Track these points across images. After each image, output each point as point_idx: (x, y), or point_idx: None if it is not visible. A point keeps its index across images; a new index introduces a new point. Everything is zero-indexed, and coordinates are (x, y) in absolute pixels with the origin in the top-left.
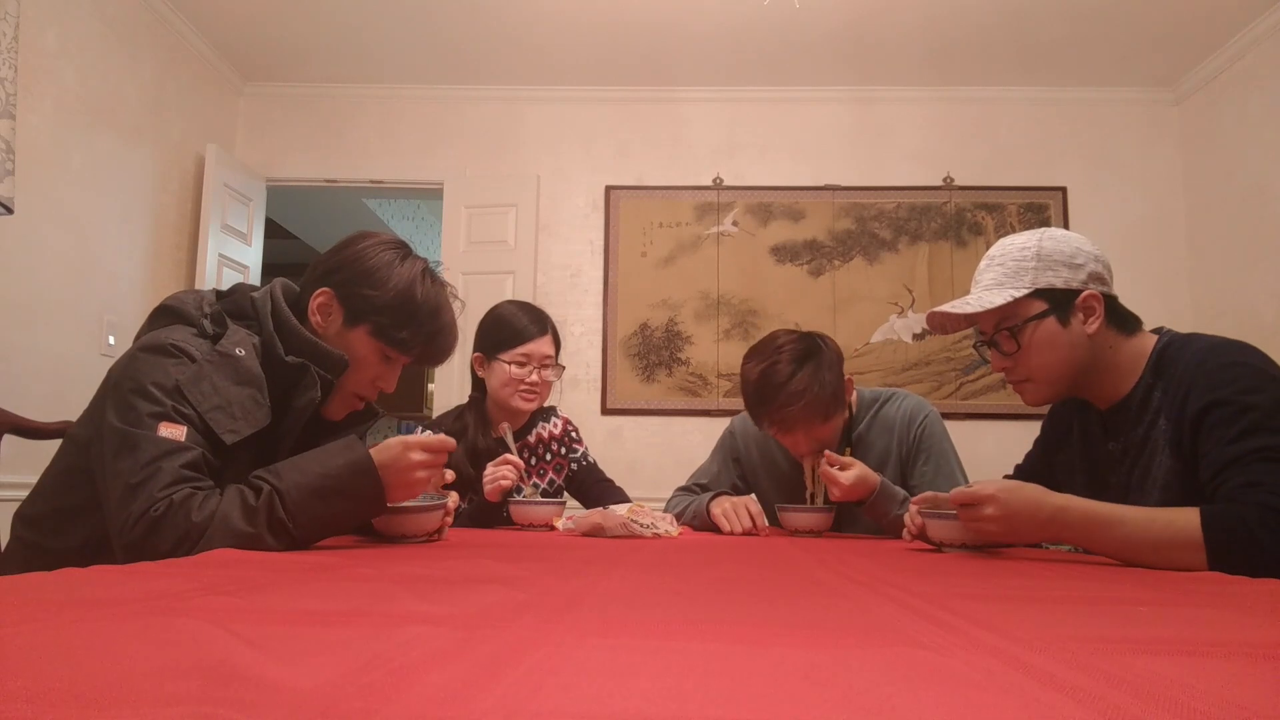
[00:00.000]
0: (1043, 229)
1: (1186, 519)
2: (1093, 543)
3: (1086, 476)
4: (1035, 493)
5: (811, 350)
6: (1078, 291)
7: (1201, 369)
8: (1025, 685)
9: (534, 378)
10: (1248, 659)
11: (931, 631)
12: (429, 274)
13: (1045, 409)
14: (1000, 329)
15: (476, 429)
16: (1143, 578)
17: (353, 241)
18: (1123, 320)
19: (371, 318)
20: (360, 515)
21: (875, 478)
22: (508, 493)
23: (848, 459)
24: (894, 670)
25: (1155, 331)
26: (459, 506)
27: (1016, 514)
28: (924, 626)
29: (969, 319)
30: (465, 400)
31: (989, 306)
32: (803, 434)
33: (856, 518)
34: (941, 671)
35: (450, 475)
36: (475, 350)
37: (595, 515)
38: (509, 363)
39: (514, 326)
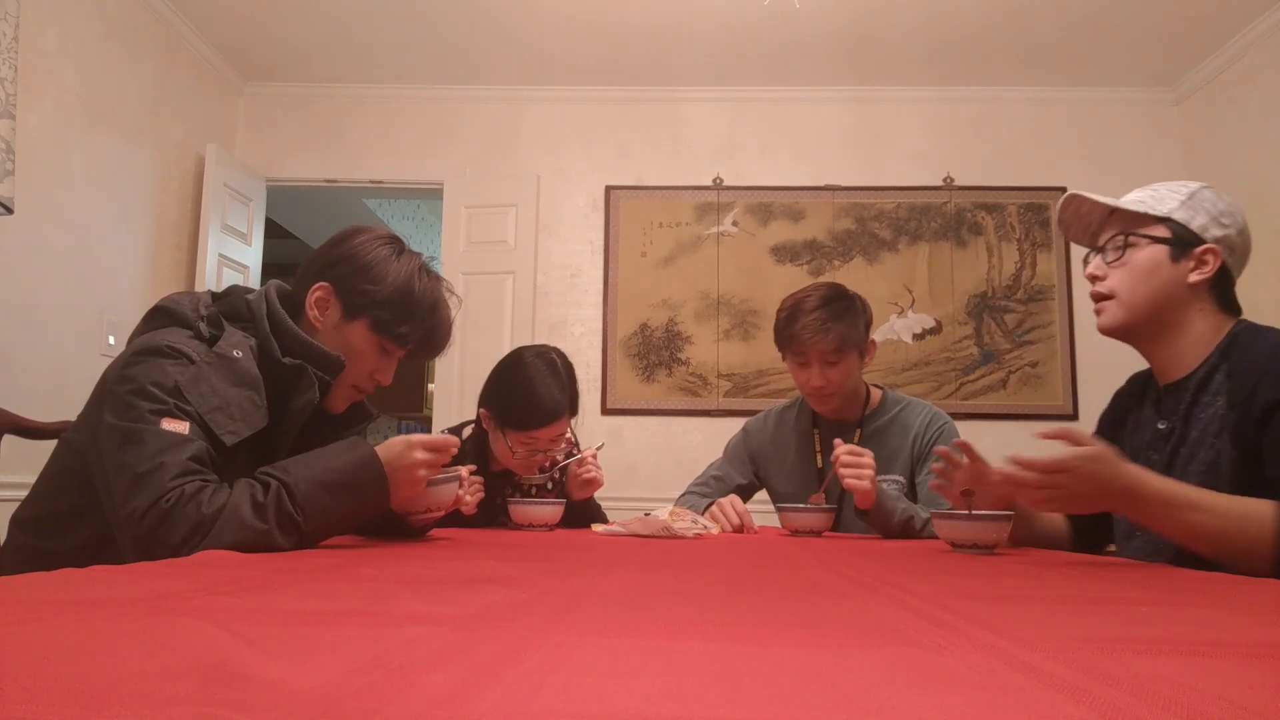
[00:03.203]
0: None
1: (1262, 516)
2: (1158, 523)
3: (1129, 452)
4: (1113, 467)
5: (843, 295)
6: (1203, 241)
7: (1275, 361)
8: (1025, 685)
9: (538, 457)
10: (1248, 659)
11: (931, 631)
12: (425, 269)
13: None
14: (1117, 235)
15: (478, 464)
16: (1143, 578)
17: (348, 236)
18: (1224, 297)
19: (371, 312)
20: (365, 512)
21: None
22: (485, 513)
23: (864, 450)
24: (894, 670)
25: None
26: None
27: (1090, 484)
28: (924, 626)
29: (1102, 215)
30: (467, 400)
31: (1127, 206)
32: (817, 364)
33: (856, 517)
34: (941, 671)
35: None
36: (482, 405)
37: (635, 524)
38: (515, 444)
39: (532, 406)
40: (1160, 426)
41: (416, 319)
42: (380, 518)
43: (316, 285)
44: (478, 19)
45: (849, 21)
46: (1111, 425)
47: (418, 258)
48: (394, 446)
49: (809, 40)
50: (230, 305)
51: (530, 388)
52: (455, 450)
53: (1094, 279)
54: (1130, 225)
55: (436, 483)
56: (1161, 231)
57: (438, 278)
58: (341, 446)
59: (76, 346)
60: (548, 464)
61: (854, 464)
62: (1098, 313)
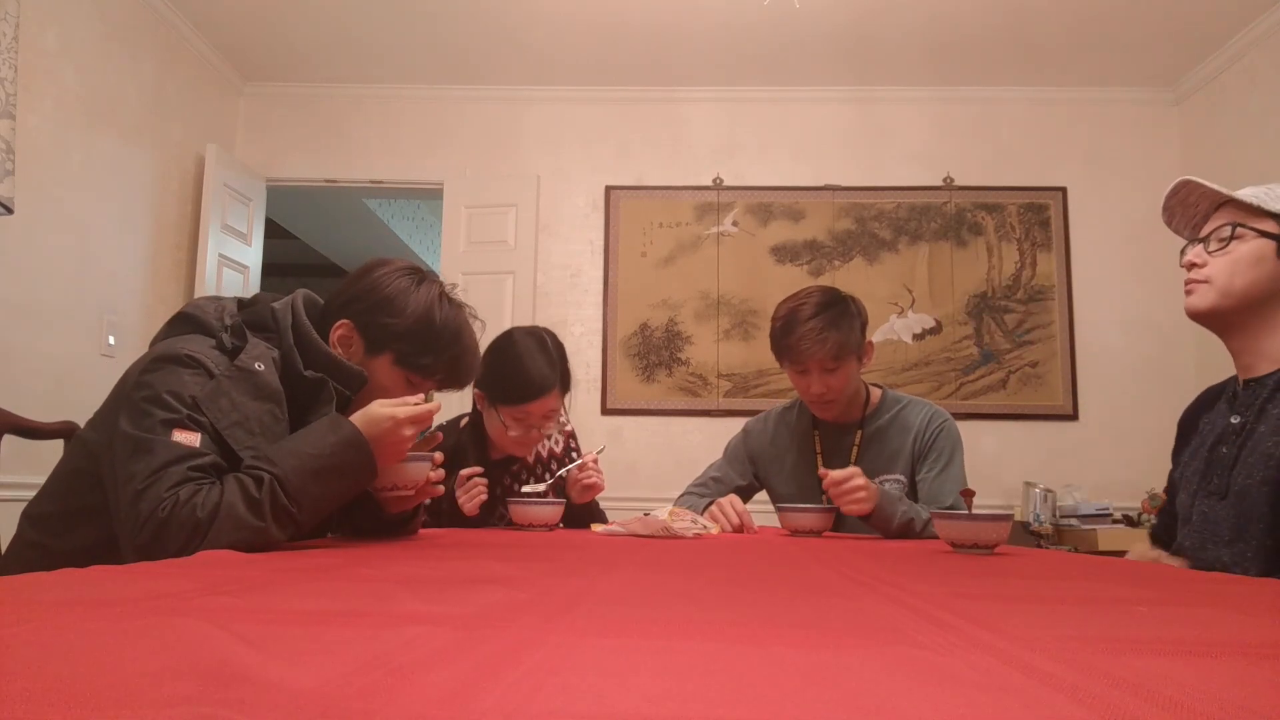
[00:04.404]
0: None
1: None
2: None
3: (1206, 451)
4: None
5: (838, 300)
6: None
7: None
8: (1025, 685)
9: (532, 434)
10: (1248, 659)
11: (931, 631)
12: (446, 297)
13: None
14: (1224, 225)
15: (474, 453)
16: (1143, 578)
17: (368, 270)
18: None
19: (393, 346)
20: (354, 489)
21: (874, 487)
22: (485, 505)
23: (844, 471)
24: (894, 670)
25: None
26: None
27: None
28: (924, 626)
29: (1209, 207)
30: (467, 400)
31: (1242, 197)
32: (816, 372)
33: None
34: (941, 671)
35: (439, 436)
36: (476, 385)
37: (635, 524)
38: (507, 419)
39: (521, 380)
40: (1234, 421)
41: (439, 349)
42: (368, 516)
43: (338, 323)
44: (478, 19)
45: (849, 21)
46: (1183, 438)
47: (438, 286)
48: (380, 423)
49: (809, 40)
50: (255, 315)
51: (520, 362)
52: (437, 410)
53: (1191, 266)
54: (1240, 217)
55: (407, 460)
56: (1271, 227)
57: (460, 305)
58: (324, 427)
59: (76, 346)
60: (547, 456)
61: (847, 491)
62: (1189, 294)
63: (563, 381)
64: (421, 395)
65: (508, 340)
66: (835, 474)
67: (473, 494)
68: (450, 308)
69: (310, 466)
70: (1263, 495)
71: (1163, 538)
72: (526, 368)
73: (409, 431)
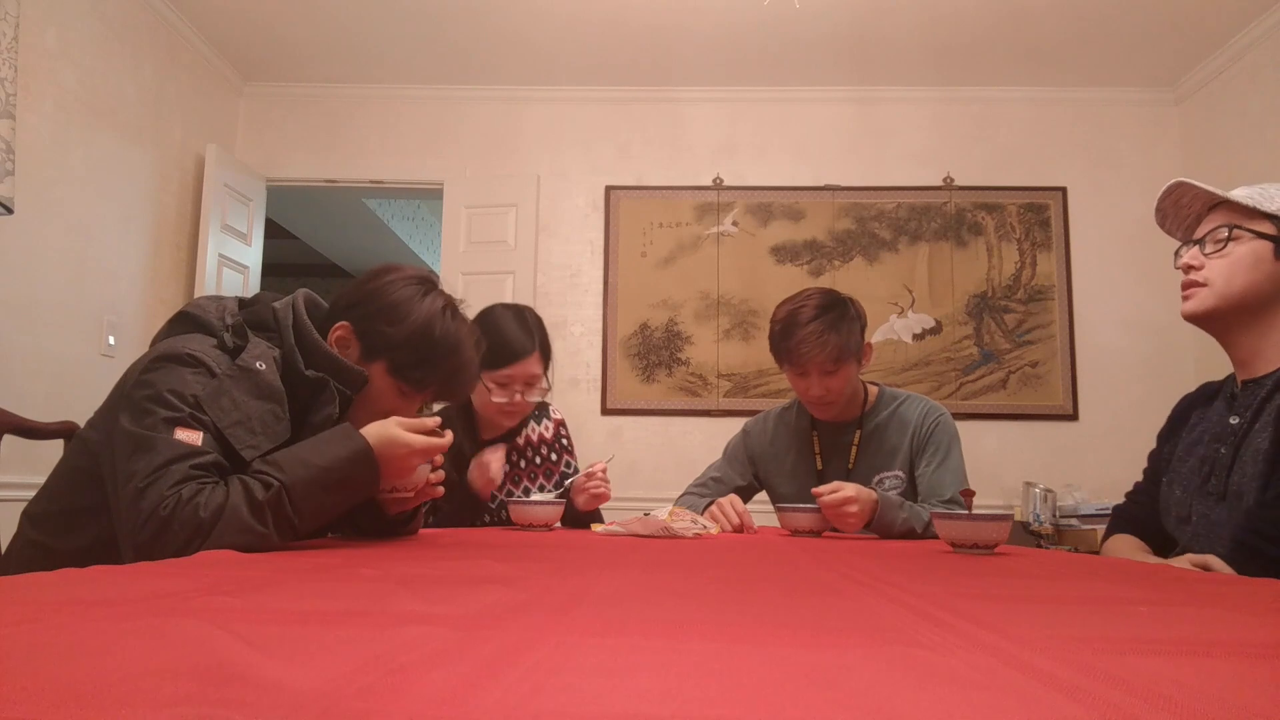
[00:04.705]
0: None
1: None
2: None
3: (1203, 449)
4: None
5: (837, 302)
6: None
7: None
8: (1025, 685)
9: (516, 399)
10: (1248, 659)
11: (931, 631)
12: (449, 311)
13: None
14: (1220, 227)
15: (463, 433)
16: (1143, 578)
17: (376, 275)
18: None
19: (387, 354)
20: (355, 501)
21: (871, 495)
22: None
23: (835, 485)
24: (894, 670)
25: None
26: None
27: None
28: (924, 626)
29: (1202, 208)
30: None
31: (1237, 197)
32: (816, 375)
33: None
34: (941, 671)
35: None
36: None
37: (635, 524)
38: (490, 383)
39: (500, 344)
40: (1233, 421)
41: (434, 363)
42: (368, 516)
43: (337, 325)
44: (478, 19)
45: (849, 21)
46: (1173, 427)
47: (444, 299)
48: (394, 447)
49: (809, 40)
50: (256, 314)
51: (497, 328)
52: (448, 446)
53: (1188, 269)
54: (1235, 219)
55: None
56: (1267, 228)
57: (463, 321)
58: (335, 438)
59: (76, 346)
60: (537, 440)
61: (839, 515)
62: (1186, 298)
63: (542, 349)
64: (437, 422)
65: (488, 312)
66: (828, 498)
67: (488, 466)
68: (452, 322)
69: (320, 480)
70: (1250, 491)
71: (1132, 519)
72: (505, 333)
73: (418, 461)
